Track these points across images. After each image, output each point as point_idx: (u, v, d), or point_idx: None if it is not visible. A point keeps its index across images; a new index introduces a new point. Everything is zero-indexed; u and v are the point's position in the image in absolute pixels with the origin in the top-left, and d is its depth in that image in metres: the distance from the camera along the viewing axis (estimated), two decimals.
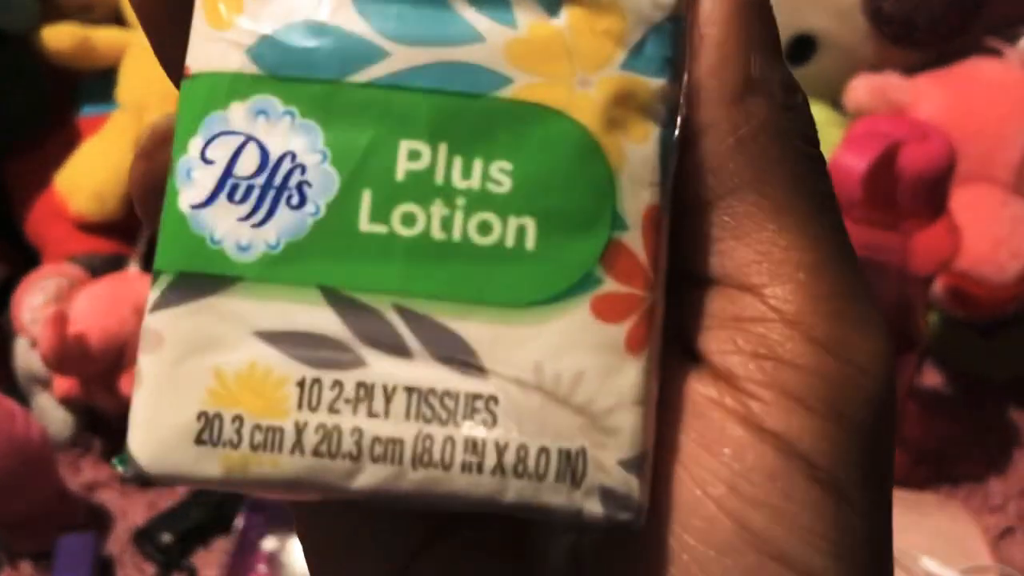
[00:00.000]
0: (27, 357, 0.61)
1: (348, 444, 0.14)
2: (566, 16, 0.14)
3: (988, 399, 0.66)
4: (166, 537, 0.57)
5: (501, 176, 0.14)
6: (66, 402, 0.60)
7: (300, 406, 0.14)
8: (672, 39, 0.14)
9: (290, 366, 0.14)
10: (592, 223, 0.14)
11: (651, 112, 0.14)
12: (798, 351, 0.14)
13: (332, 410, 0.14)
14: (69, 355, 0.55)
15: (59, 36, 0.65)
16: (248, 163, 0.14)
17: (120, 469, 0.14)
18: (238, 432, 0.14)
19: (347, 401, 0.14)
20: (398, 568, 0.16)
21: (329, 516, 0.17)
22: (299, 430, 0.14)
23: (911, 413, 0.65)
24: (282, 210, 0.14)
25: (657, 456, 0.14)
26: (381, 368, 0.14)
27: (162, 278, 0.14)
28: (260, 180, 0.14)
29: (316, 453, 0.14)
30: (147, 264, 0.63)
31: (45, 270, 0.61)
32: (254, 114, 0.14)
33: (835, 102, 0.65)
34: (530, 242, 0.14)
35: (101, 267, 0.63)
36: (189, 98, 0.14)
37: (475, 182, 0.14)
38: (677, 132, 0.15)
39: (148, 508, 0.59)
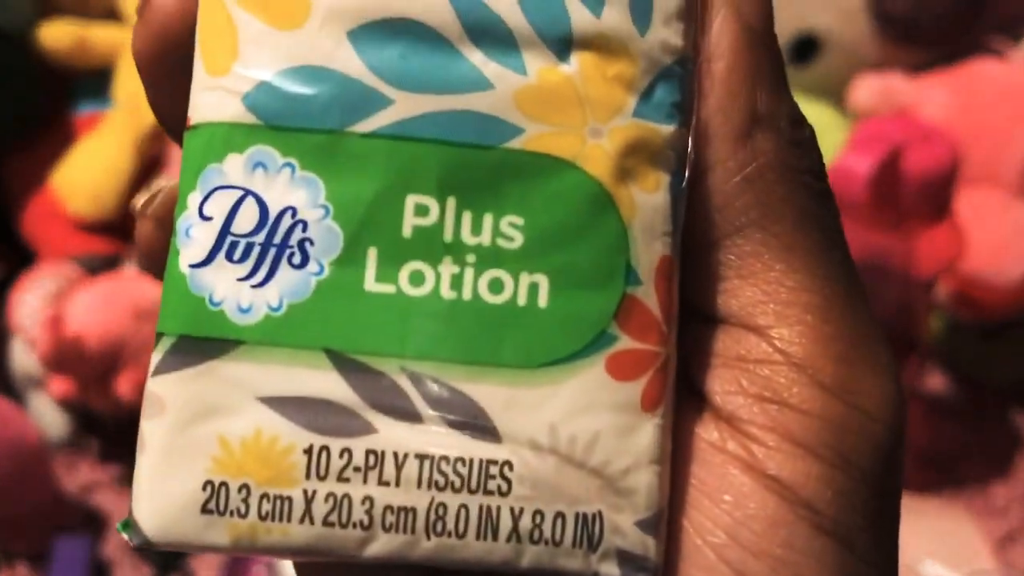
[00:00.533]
0: (23, 357, 0.61)
1: (359, 513, 0.13)
2: (576, 62, 0.13)
3: (991, 403, 0.66)
4: None
5: (512, 231, 0.13)
6: (62, 403, 0.60)
7: (308, 475, 0.13)
8: (680, 83, 0.14)
9: (297, 433, 0.13)
10: (606, 279, 0.13)
11: (661, 159, 0.14)
12: (804, 395, 0.14)
13: (341, 479, 0.13)
14: (66, 355, 0.54)
15: (56, 35, 0.64)
16: (247, 219, 0.13)
17: (125, 536, 0.14)
18: (245, 501, 0.13)
19: (357, 469, 0.13)
20: None
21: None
22: (308, 499, 0.13)
23: (914, 417, 0.65)
24: (284, 270, 0.13)
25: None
26: (391, 434, 0.13)
27: (164, 341, 0.14)
28: (260, 237, 0.13)
29: (326, 523, 0.13)
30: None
31: (42, 270, 0.60)
32: (251, 167, 0.13)
33: (838, 102, 0.64)
34: (543, 300, 0.13)
35: (98, 267, 0.63)
36: (189, 151, 0.14)
37: (485, 238, 0.13)
38: (687, 175, 0.14)
39: None
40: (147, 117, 0.63)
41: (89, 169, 0.63)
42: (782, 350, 0.14)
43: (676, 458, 0.14)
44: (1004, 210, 0.57)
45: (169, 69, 0.14)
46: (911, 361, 0.56)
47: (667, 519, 0.14)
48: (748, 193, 0.14)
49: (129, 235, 0.64)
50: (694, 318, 0.15)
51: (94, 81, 0.67)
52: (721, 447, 0.14)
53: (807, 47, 0.64)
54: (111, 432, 0.63)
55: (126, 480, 0.61)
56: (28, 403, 0.62)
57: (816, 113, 0.64)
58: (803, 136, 0.15)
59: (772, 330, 0.14)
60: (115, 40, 0.66)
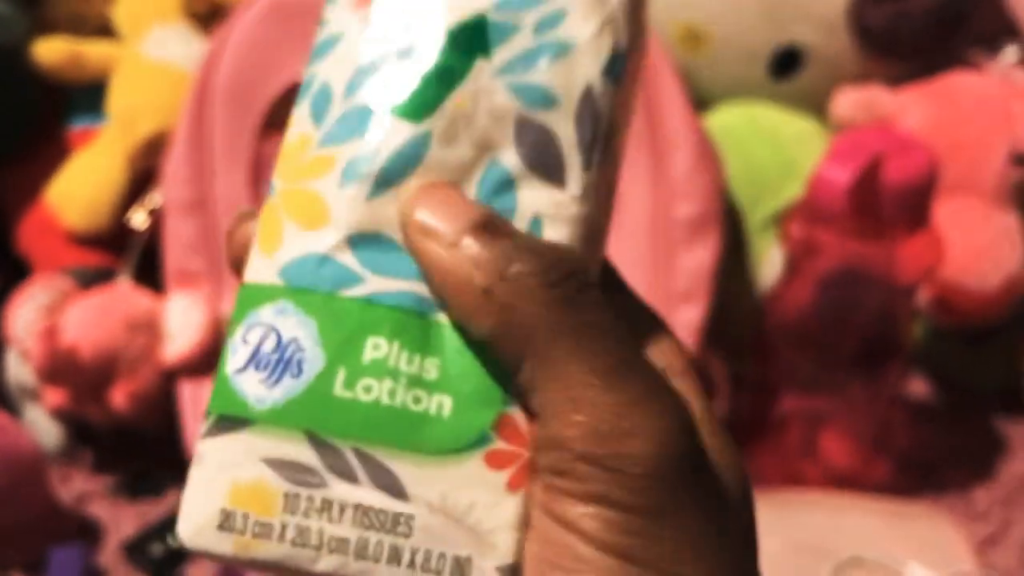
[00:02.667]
0: (18, 369, 0.61)
1: (313, 540, 0.20)
2: None
3: (973, 408, 0.67)
4: (157, 548, 0.57)
5: (432, 368, 0.20)
6: (56, 414, 0.60)
7: (284, 511, 0.20)
8: None
9: (281, 483, 0.20)
10: (490, 401, 0.20)
11: None
12: (581, 471, 0.19)
13: (305, 515, 0.20)
14: (61, 366, 0.55)
15: (50, 50, 0.65)
16: (269, 345, 0.21)
17: (172, 543, 0.22)
18: (245, 524, 0.20)
19: (316, 510, 0.20)
20: None
21: None
22: (283, 527, 0.20)
23: (897, 421, 0.65)
24: (287, 377, 0.20)
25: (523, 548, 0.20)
26: (339, 490, 0.20)
27: (210, 417, 0.21)
28: (275, 356, 0.20)
29: (292, 544, 0.20)
30: (137, 277, 0.63)
31: (36, 282, 0.61)
32: (276, 312, 0.21)
33: (821, 114, 0.65)
34: (446, 412, 0.20)
35: (92, 279, 0.63)
36: (241, 298, 0.21)
37: (415, 369, 0.20)
38: None
39: (139, 520, 0.60)
40: (140, 132, 0.63)
41: (83, 183, 0.64)
42: (566, 433, 0.19)
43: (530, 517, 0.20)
44: (982, 219, 0.58)
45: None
46: (893, 367, 0.57)
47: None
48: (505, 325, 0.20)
49: (122, 248, 0.64)
50: (530, 413, 0.20)
51: (89, 97, 0.67)
52: (542, 505, 0.20)
53: (789, 60, 0.65)
54: (105, 443, 0.64)
55: (119, 490, 0.61)
56: (23, 414, 0.63)
57: (798, 124, 0.65)
58: (512, 271, 0.20)
59: (564, 418, 0.19)
60: (109, 55, 0.67)
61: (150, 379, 0.60)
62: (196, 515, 0.20)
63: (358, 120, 0.21)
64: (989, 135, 0.59)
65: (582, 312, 0.19)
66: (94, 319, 0.59)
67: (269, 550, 0.20)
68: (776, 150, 0.64)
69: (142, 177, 0.65)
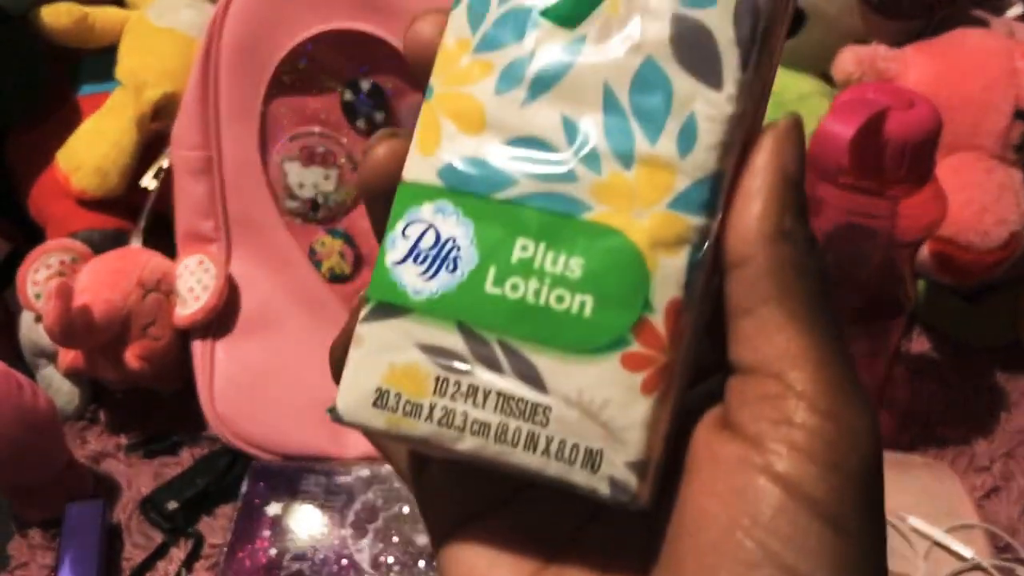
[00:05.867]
0: (33, 331, 0.62)
1: (458, 421, 0.21)
2: (635, 170, 0.21)
3: (974, 363, 0.67)
4: (172, 505, 0.58)
5: (576, 267, 0.21)
6: (71, 374, 0.61)
7: (434, 393, 0.21)
8: (711, 190, 0.21)
9: (432, 367, 0.21)
10: (629, 304, 0.21)
11: (686, 238, 0.21)
12: (805, 417, 0.19)
13: (452, 398, 0.21)
14: (73, 327, 0.56)
15: (57, 14, 0.65)
16: (428, 241, 0.22)
17: (330, 416, 0.22)
18: (397, 403, 0.22)
19: (461, 395, 0.21)
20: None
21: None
22: (431, 408, 0.21)
23: (899, 377, 0.66)
24: (443, 272, 0.22)
25: (703, 502, 0.20)
26: (484, 377, 0.21)
27: (370, 303, 0.22)
28: (433, 252, 0.22)
29: (439, 423, 0.21)
30: (148, 239, 0.64)
31: (49, 245, 0.62)
32: (435, 211, 0.22)
33: (824, 73, 0.65)
34: (588, 312, 0.21)
35: (103, 243, 0.64)
36: (401, 195, 0.22)
37: (559, 269, 0.21)
38: (705, 248, 0.21)
39: (154, 477, 0.61)
40: (149, 96, 0.64)
41: (93, 147, 0.64)
42: (791, 387, 0.20)
43: (716, 470, 0.20)
44: (985, 175, 0.59)
45: (379, 195, 0.23)
46: (896, 323, 0.57)
47: (659, 473, 0.21)
48: (771, 279, 0.20)
49: (133, 211, 0.65)
50: (730, 368, 0.21)
51: (98, 61, 0.68)
52: (747, 460, 0.20)
53: (793, 20, 0.65)
54: (119, 403, 0.65)
55: (134, 449, 0.62)
56: (38, 376, 0.64)
57: (802, 84, 0.65)
58: (813, 251, 0.21)
59: (785, 375, 0.20)
60: (117, 20, 0.67)
61: (162, 340, 0.61)
62: (353, 392, 0.22)
63: (514, 25, 0.22)
64: (993, 91, 0.59)
65: (826, 299, 0.21)
66: (106, 281, 0.59)
67: (417, 428, 0.21)
68: (780, 109, 0.64)
69: (151, 140, 0.65)
